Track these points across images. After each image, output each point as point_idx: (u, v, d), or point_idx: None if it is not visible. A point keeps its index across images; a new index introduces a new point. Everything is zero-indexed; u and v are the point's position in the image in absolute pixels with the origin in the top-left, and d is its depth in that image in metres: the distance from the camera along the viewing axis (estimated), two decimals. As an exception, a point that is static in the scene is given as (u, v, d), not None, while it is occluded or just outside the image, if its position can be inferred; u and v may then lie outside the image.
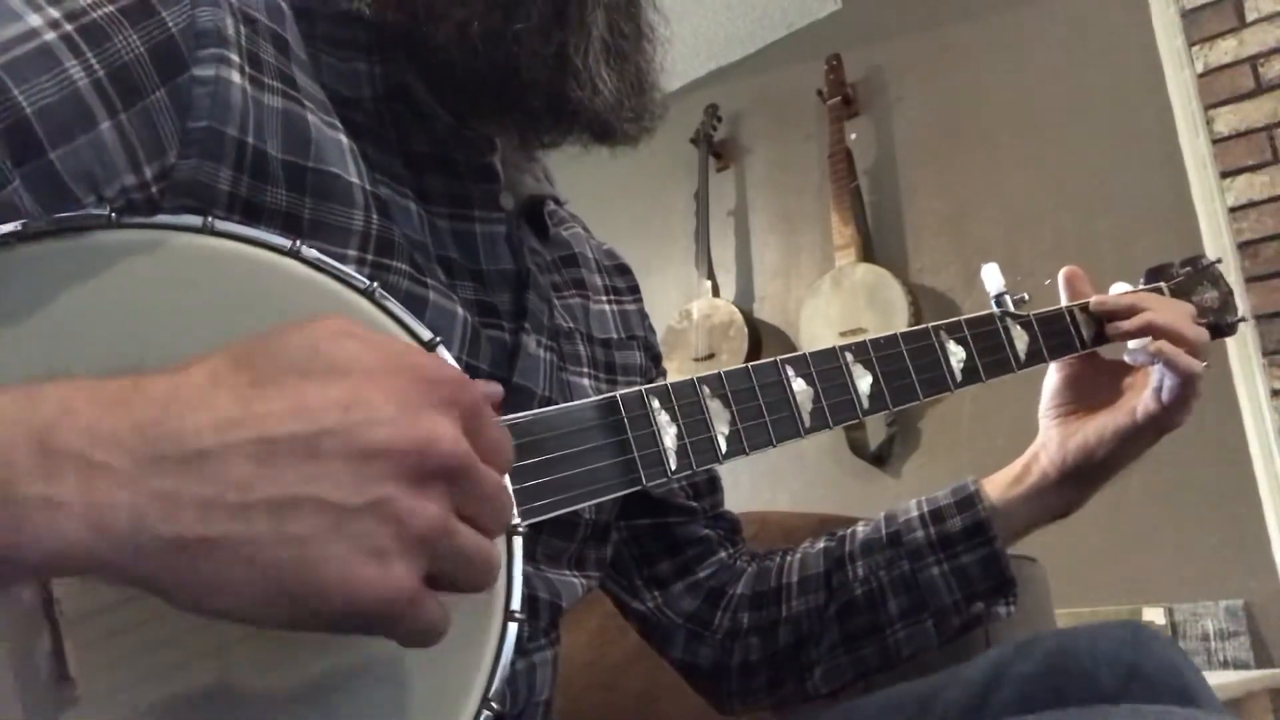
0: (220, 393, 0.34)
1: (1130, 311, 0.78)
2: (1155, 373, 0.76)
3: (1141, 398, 0.77)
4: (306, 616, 0.34)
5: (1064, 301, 0.82)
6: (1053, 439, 0.79)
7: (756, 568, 0.84)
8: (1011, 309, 0.77)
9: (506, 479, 0.40)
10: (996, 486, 0.80)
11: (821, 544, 0.83)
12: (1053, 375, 0.82)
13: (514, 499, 0.40)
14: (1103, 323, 0.80)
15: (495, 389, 0.48)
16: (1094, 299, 0.81)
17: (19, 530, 0.30)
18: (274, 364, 0.35)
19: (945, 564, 0.77)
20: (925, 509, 0.80)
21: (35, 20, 0.46)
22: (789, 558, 0.83)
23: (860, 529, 0.82)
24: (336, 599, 0.33)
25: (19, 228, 0.40)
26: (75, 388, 0.33)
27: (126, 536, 0.31)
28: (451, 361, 0.48)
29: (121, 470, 0.32)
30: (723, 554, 0.84)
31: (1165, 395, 0.75)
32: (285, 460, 0.33)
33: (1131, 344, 0.78)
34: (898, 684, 0.72)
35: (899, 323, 2.52)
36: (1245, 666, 2.03)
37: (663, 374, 0.83)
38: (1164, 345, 0.75)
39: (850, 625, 0.79)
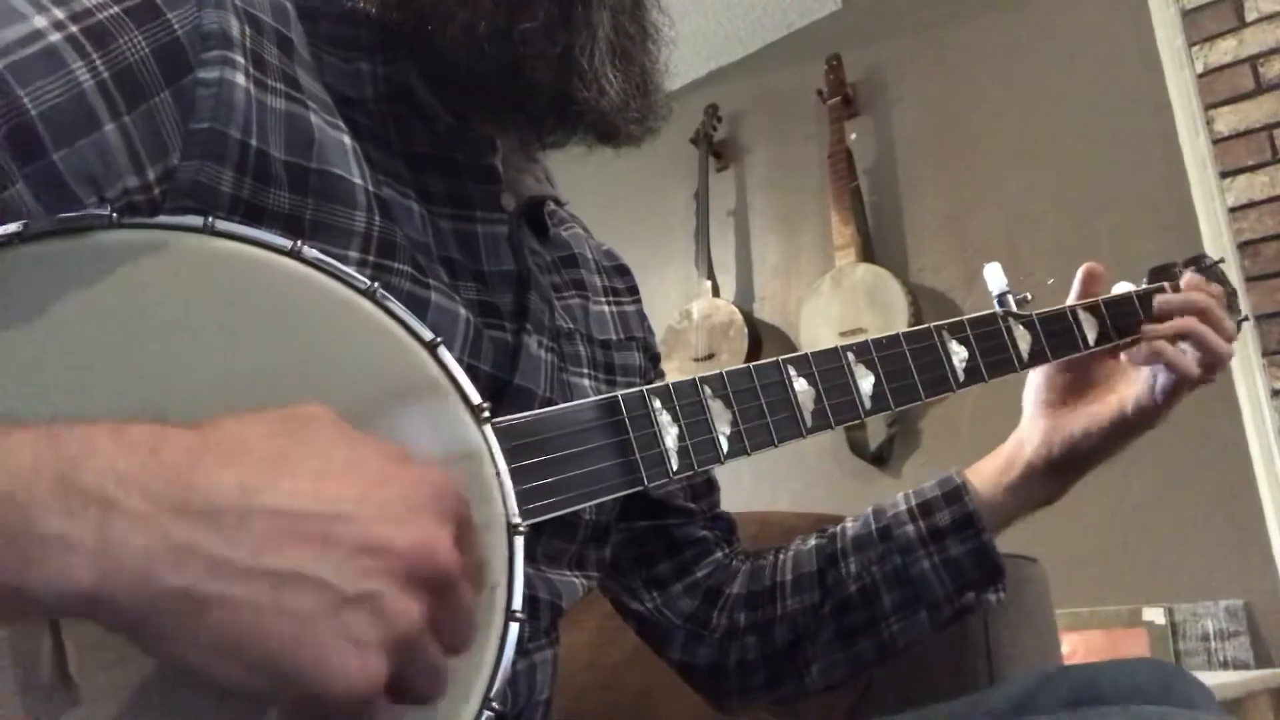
0: (249, 457, 0.35)
1: (1186, 309, 0.79)
2: (1146, 371, 0.77)
3: (1132, 393, 0.77)
4: (274, 689, 0.34)
5: (1073, 295, 0.82)
6: (1038, 430, 0.80)
7: (750, 566, 0.84)
8: (1014, 308, 0.77)
9: (482, 599, 0.43)
10: (983, 477, 0.81)
11: (813, 541, 0.83)
12: (1041, 366, 0.82)
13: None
14: (1106, 323, 0.80)
15: None
16: (1158, 299, 0.81)
17: (28, 567, 0.31)
18: (303, 445, 0.37)
19: (936, 557, 0.78)
20: (913, 502, 0.81)
21: (40, 21, 0.46)
22: (781, 556, 0.84)
23: (849, 525, 0.83)
24: (312, 679, 0.34)
25: (21, 228, 0.40)
26: (97, 429, 0.34)
27: (134, 579, 0.32)
28: (453, 362, 0.48)
29: (141, 514, 0.32)
30: (719, 554, 0.84)
31: (1159, 394, 0.76)
32: (298, 536, 0.35)
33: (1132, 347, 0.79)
34: (906, 696, 0.72)
35: (899, 323, 2.52)
36: (1245, 666, 2.03)
37: (661, 375, 0.83)
38: (1164, 347, 0.75)
39: (846, 621, 0.79)
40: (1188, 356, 0.76)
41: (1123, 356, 0.80)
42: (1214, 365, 0.77)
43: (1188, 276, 0.82)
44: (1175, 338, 0.77)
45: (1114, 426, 0.77)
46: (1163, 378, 0.76)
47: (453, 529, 0.39)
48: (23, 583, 0.31)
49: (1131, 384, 0.78)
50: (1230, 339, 0.78)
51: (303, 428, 0.38)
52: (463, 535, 0.39)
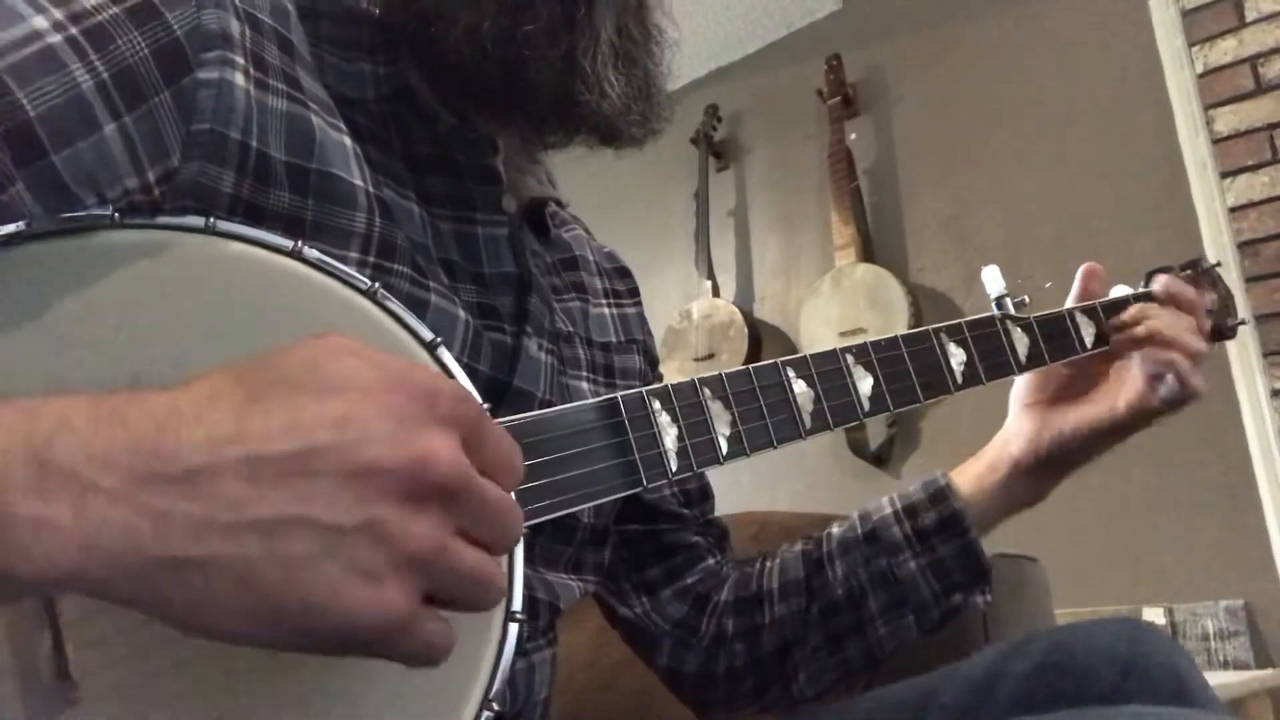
0: (217, 409, 0.34)
1: (1135, 321, 0.78)
2: (1146, 373, 0.77)
3: (1125, 394, 0.77)
4: (298, 637, 0.34)
5: (1074, 294, 0.82)
6: (1025, 429, 0.80)
7: (739, 573, 0.83)
8: (1012, 311, 0.77)
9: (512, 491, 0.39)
10: (968, 478, 0.80)
11: (799, 547, 0.83)
12: None
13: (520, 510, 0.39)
14: (1103, 325, 0.80)
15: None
16: (1114, 320, 0.80)
17: (9, 550, 0.30)
18: (272, 380, 0.35)
19: (923, 558, 0.78)
20: (899, 505, 0.80)
21: (40, 22, 0.46)
22: (769, 563, 0.83)
23: (836, 529, 0.83)
24: (327, 621, 0.33)
25: (23, 227, 0.41)
26: (75, 403, 0.33)
27: (118, 555, 0.31)
28: (453, 363, 0.48)
29: (115, 489, 0.32)
30: (710, 560, 0.84)
31: (1160, 400, 0.76)
32: (276, 479, 0.33)
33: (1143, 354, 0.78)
34: (896, 682, 0.72)
35: (899, 323, 2.52)
36: (1245, 666, 2.03)
37: (659, 378, 0.83)
38: (1176, 358, 0.75)
39: (833, 626, 0.79)
40: (1196, 374, 0.76)
41: (1135, 357, 0.79)
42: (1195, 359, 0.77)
43: (1158, 282, 0.82)
44: (1151, 342, 0.77)
45: (1106, 426, 0.77)
46: (1169, 387, 0.76)
47: (455, 431, 0.36)
48: (7, 564, 0.30)
49: (1126, 385, 0.78)
50: (1195, 349, 0.77)
51: (278, 363, 0.36)
52: (471, 433, 0.37)
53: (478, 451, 0.37)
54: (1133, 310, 0.79)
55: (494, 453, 0.38)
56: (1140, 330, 0.77)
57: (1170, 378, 0.75)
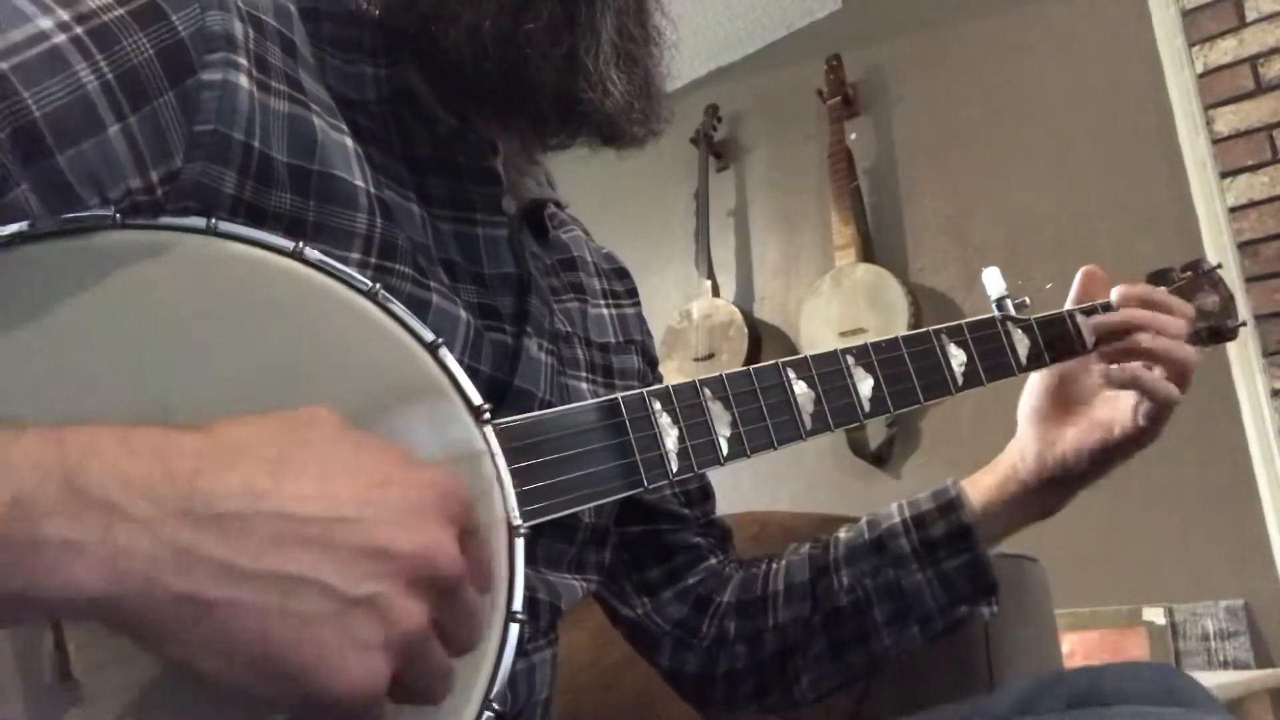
0: (252, 461, 0.35)
1: (1124, 329, 0.76)
2: (1129, 395, 0.75)
3: (1118, 416, 0.75)
4: (278, 691, 0.35)
5: (1072, 296, 0.81)
6: (1031, 449, 0.78)
7: (743, 575, 0.83)
8: (1012, 312, 0.77)
9: (487, 599, 0.43)
10: (979, 490, 0.80)
11: (806, 550, 0.83)
12: (1035, 379, 0.81)
13: (487, 614, 0.43)
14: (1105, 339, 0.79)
15: None
16: (1093, 322, 0.78)
17: (35, 572, 0.31)
18: (306, 449, 0.37)
19: (929, 570, 0.77)
20: (908, 514, 0.80)
21: (45, 23, 0.46)
22: (774, 565, 0.83)
23: (843, 535, 0.82)
24: (314, 680, 0.34)
25: (25, 228, 0.41)
26: (102, 431, 0.34)
27: (139, 584, 0.32)
28: (454, 363, 0.48)
29: (146, 519, 0.33)
30: (712, 561, 0.84)
31: (1142, 418, 0.74)
32: (302, 539, 0.35)
33: (1109, 368, 0.76)
34: (895, 682, 0.72)
35: (899, 323, 2.52)
36: (1245, 666, 2.03)
37: (659, 379, 0.83)
38: (1139, 372, 0.73)
39: (837, 634, 0.78)
40: (1162, 380, 0.73)
41: (1100, 379, 0.77)
42: (1183, 374, 0.74)
43: (1125, 290, 0.79)
44: (1131, 356, 0.75)
45: (1102, 450, 0.76)
46: (1147, 404, 0.74)
47: (456, 531, 0.39)
48: (28, 587, 0.31)
49: (1115, 408, 0.76)
50: (1180, 358, 0.74)
51: (306, 430, 0.38)
52: (467, 537, 0.40)
53: (469, 553, 0.39)
54: (1119, 319, 0.77)
55: (478, 558, 0.41)
56: (1124, 345, 0.76)
57: (1139, 395, 0.73)
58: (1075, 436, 0.77)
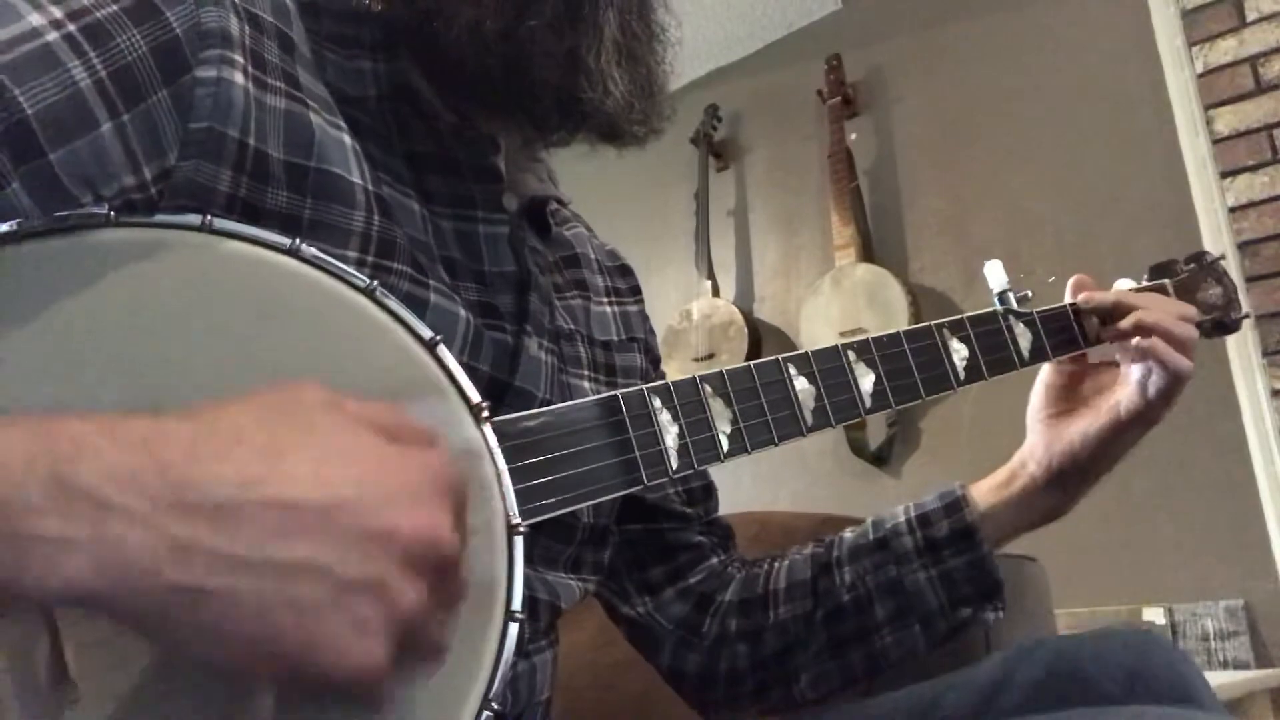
0: (244, 448, 0.35)
1: (1118, 310, 0.78)
2: (1137, 370, 0.76)
3: (1124, 395, 0.76)
4: (278, 675, 0.35)
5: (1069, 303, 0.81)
6: (1039, 444, 0.79)
7: (745, 574, 0.83)
8: (1014, 306, 0.76)
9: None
10: (984, 491, 0.80)
11: (809, 549, 0.82)
12: (1042, 379, 0.82)
13: None
14: (1103, 320, 0.80)
15: None
16: (1081, 296, 0.80)
17: (25, 566, 0.31)
18: (298, 432, 0.37)
19: (932, 569, 0.77)
20: (913, 514, 0.80)
21: (37, 20, 0.46)
22: (777, 564, 0.82)
23: (848, 534, 0.82)
24: (317, 664, 0.34)
25: (17, 226, 0.40)
26: (91, 424, 0.34)
27: (134, 577, 0.32)
28: (452, 361, 0.48)
29: (139, 512, 0.32)
30: (714, 560, 0.83)
31: (1151, 391, 0.75)
32: (299, 525, 0.35)
33: (1126, 343, 0.77)
34: (902, 687, 0.71)
35: (899, 323, 2.52)
36: (1245, 666, 2.03)
37: (661, 377, 0.83)
38: (1155, 343, 0.75)
39: (837, 631, 0.78)
40: (1174, 352, 0.75)
41: (1116, 356, 0.79)
42: (1185, 349, 0.76)
43: (1116, 291, 0.81)
44: (1135, 334, 0.76)
45: (1110, 430, 0.76)
46: (1155, 377, 0.75)
47: (453, 510, 0.39)
48: (19, 582, 0.31)
49: (1124, 386, 0.77)
50: (1180, 335, 0.76)
51: (298, 410, 0.38)
52: (461, 519, 0.40)
53: (461, 531, 0.40)
54: (1113, 297, 0.79)
55: (469, 544, 0.42)
56: (1125, 324, 0.77)
57: (1153, 365, 0.75)
58: (1083, 422, 0.78)
